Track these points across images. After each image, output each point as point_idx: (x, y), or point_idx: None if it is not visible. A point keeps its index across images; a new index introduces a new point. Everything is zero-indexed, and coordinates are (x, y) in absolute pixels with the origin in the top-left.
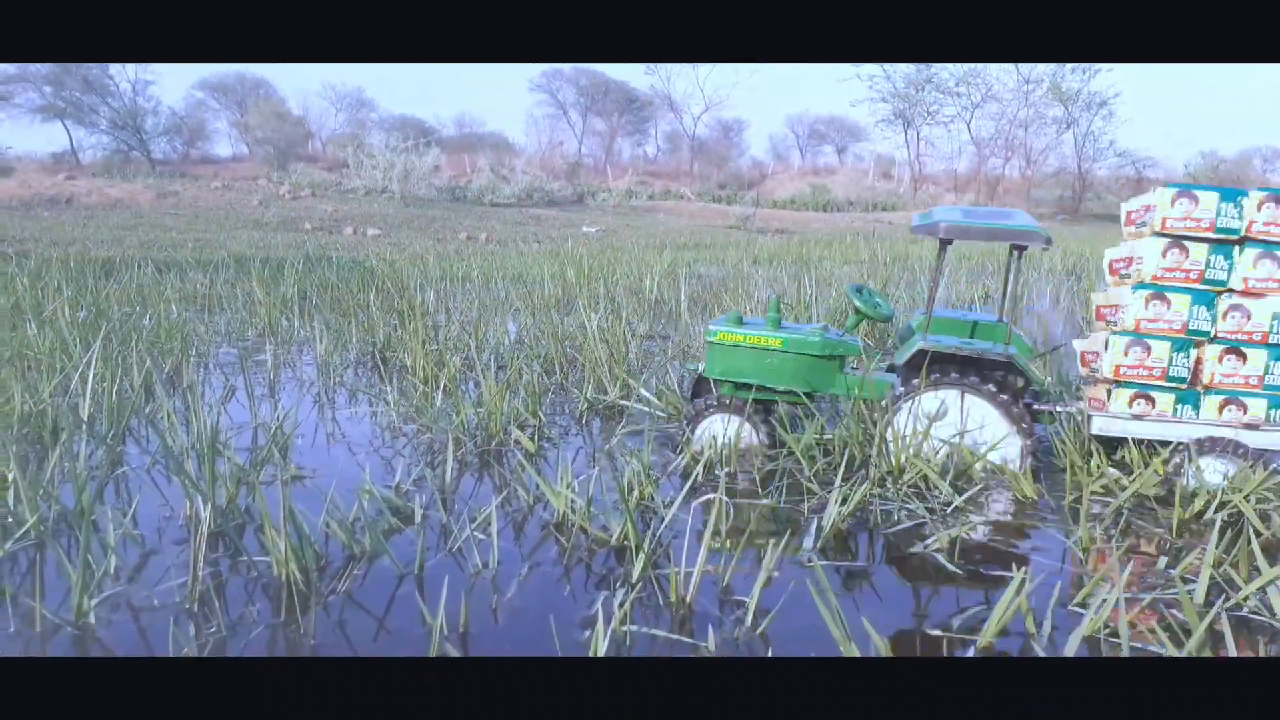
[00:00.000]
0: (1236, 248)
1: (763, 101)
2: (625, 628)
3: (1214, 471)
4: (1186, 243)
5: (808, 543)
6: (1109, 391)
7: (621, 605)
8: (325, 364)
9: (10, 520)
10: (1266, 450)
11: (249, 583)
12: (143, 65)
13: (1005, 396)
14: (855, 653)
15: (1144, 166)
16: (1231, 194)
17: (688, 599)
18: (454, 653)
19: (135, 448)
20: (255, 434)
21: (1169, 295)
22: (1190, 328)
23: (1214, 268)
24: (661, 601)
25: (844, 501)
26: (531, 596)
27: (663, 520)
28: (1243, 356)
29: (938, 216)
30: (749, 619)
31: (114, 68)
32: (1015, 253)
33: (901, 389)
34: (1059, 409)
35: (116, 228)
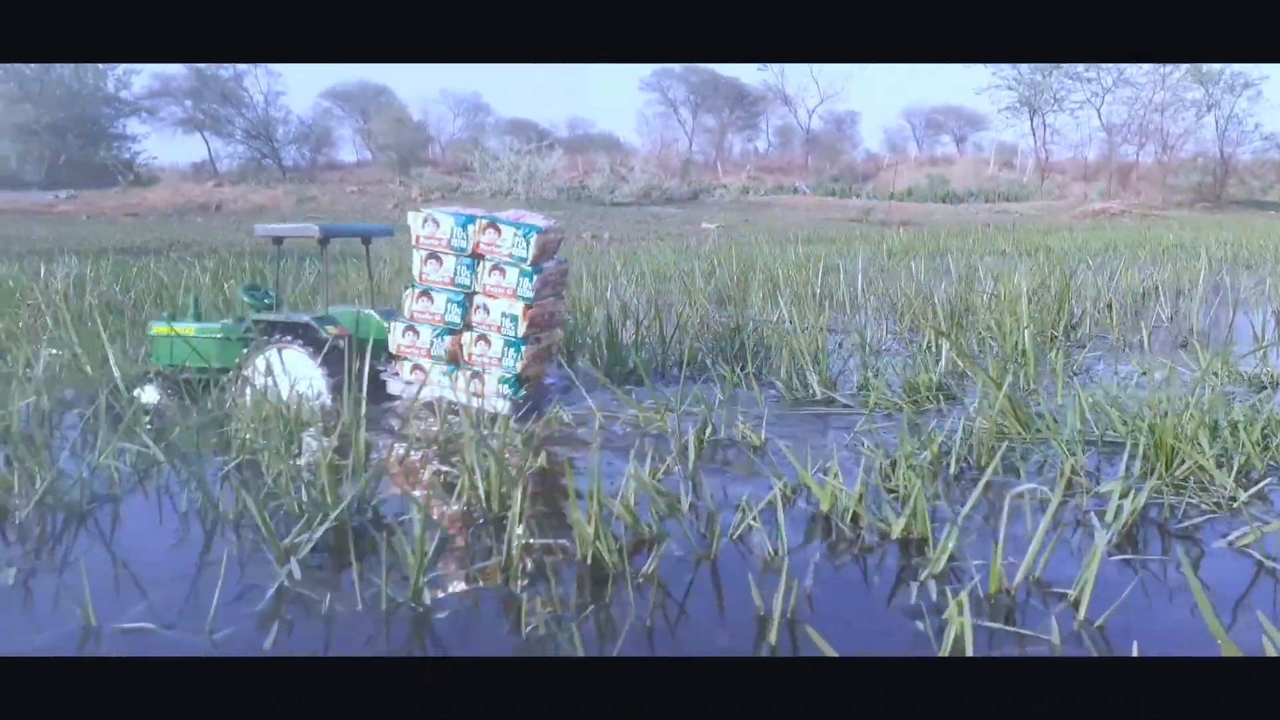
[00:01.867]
0: (478, 260)
1: (877, 92)
2: (961, 618)
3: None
4: (441, 255)
5: (1099, 537)
6: (399, 363)
7: (955, 596)
8: None
9: (305, 505)
10: (491, 410)
11: (550, 564)
12: (274, 75)
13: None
14: (1235, 650)
15: None
16: (463, 219)
17: (1012, 591)
18: (788, 640)
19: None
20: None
21: (433, 294)
22: (446, 320)
23: (461, 275)
24: (981, 593)
25: (1130, 495)
26: (831, 586)
27: (935, 509)
28: (489, 343)
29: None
30: (1081, 613)
31: (248, 79)
32: (365, 247)
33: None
34: (382, 370)
35: None
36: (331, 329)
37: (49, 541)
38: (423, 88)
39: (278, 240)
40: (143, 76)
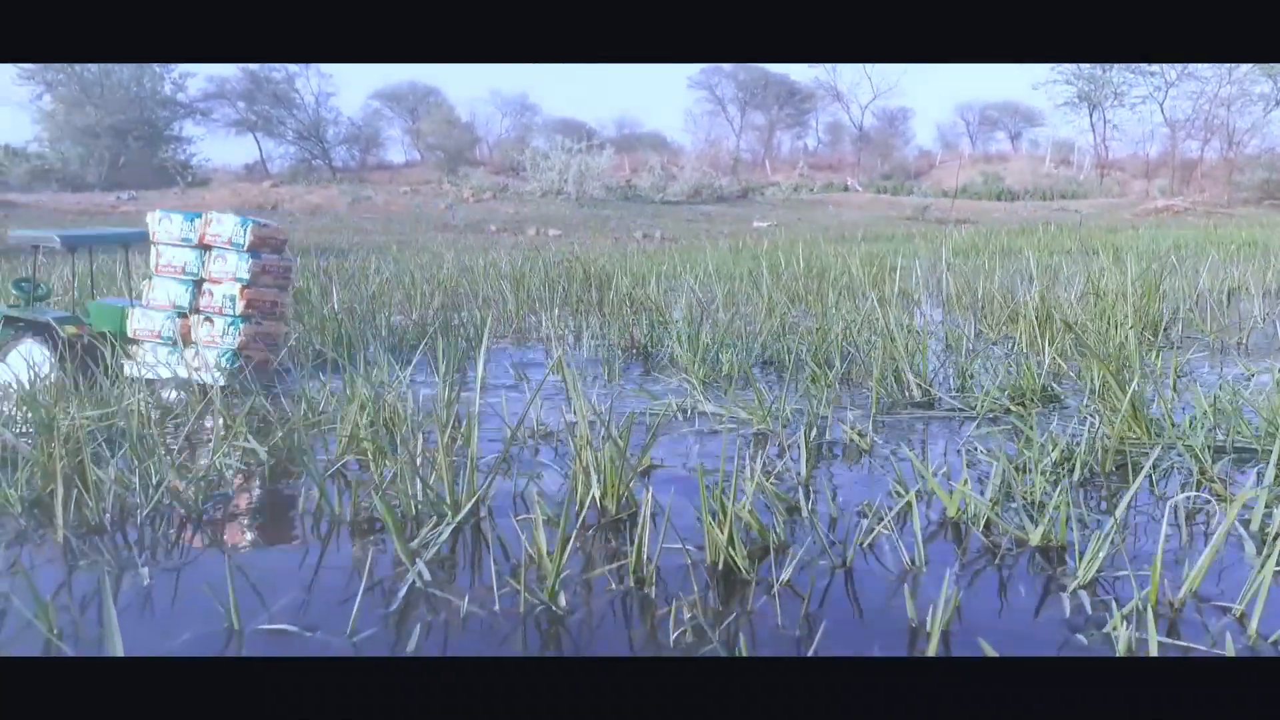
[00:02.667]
0: (205, 250)
1: (931, 88)
2: (1130, 632)
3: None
4: (173, 247)
5: (1249, 548)
6: (136, 345)
7: (1108, 608)
8: (606, 359)
9: (422, 504)
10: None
11: (676, 569)
12: (325, 77)
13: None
14: None
15: None
16: (191, 216)
17: (1175, 604)
18: (944, 651)
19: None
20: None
21: (166, 282)
22: (176, 304)
23: (190, 265)
24: (1142, 606)
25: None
26: (976, 596)
27: (1067, 517)
28: (213, 323)
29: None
30: (1252, 627)
31: (299, 81)
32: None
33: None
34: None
35: (321, 230)
36: (70, 329)
37: (168, 542)
38: (471, 88)
39: (35, 246)
40: (198, 79)
